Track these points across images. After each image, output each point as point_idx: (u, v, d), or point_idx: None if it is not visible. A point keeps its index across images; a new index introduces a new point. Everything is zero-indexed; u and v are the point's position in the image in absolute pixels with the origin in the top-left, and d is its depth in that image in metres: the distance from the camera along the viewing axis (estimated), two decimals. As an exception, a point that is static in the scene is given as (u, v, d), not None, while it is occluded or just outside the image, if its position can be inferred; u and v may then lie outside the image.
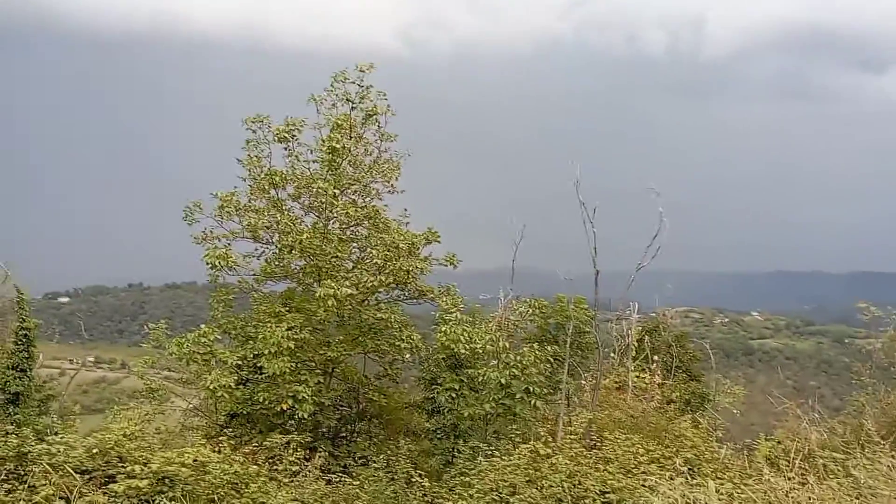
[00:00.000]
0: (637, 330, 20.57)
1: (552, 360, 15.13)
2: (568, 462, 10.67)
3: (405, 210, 17.22)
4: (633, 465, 10.78)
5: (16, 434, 10.48)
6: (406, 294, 16.77)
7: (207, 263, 14.84)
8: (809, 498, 7.64)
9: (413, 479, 11.29)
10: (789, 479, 8.26)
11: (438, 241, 16.52)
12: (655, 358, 19.58)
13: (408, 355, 16.21)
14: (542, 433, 12.44)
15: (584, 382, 16.70)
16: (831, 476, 8.64)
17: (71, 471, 9.53)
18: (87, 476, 9.74)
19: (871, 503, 7.18)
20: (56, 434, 11.11)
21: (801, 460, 9.13)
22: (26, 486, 9.52)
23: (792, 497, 7.74)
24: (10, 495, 9.49)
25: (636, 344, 20.00)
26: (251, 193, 16.28)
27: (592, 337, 16.55)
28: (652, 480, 9.39)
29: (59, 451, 9.86)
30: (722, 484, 9.31)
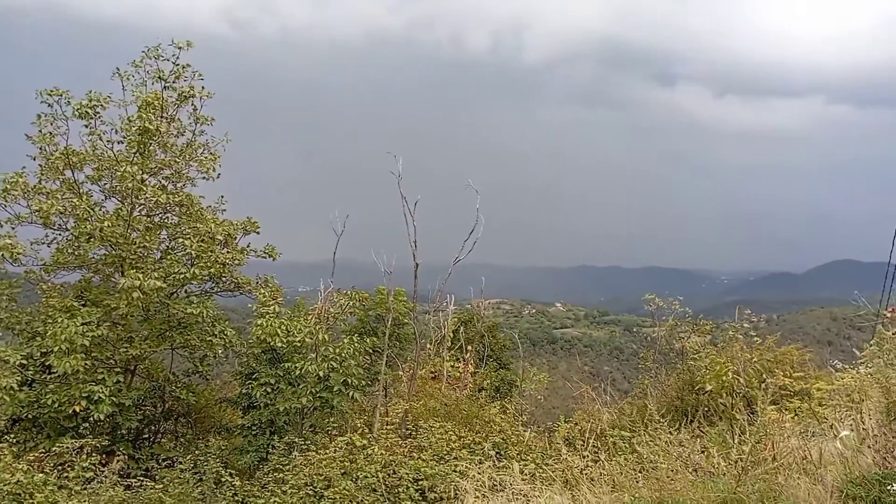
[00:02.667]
0: (453, 321, 21.36)
1: (371, 351, 15.27)
2: (383, 452, 10.87)
3: (222, 197, 16.45)
4: (445, 452, 11.22)
5: None
6: (221, 286, 16.05)
7: None
8: (601, 473, 8.41)
9: (223, 479, 10.87)
10: (584, 457, 9.03)
11: (257, 232, 15.98)
12: (469, 348, 20.46)
13: (220, 350, 15.51)
14: (359, 425, 12.54)
15: (401, 373, 17.04)
16: (619, 453, 9.58)
17: None
18: None
19: (652, 475, 8.05)
20: None
21: (594, 439, 10.01)
22: None
23: (586, 473, 8.48)
24: None
25: (451, 334, 20.76)
26: (42, 174, 14.67)
27: (411, 328, 16.94)
28: (463, 465, 9.84)
29: None
30: (526, 465, 10.00)
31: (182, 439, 14.55)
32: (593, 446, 9.65)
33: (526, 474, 9.20)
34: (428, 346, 20.57)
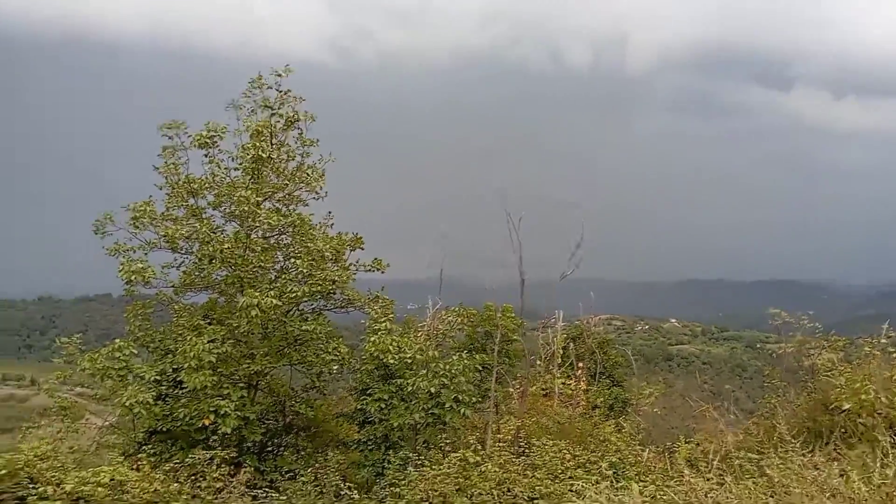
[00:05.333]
0: (562, 337, 21.01)
1: (480, 368, 15.25)
2: (497, 469, 10.77)
3: (329, 213, 16.98)
4: (560, 471, 10.97)
5: None
6: (332, 303, 16.54)
7: (122, 279, 14.26)
8: (727, 497, 7.94)
9: (342, 492, 11.12)
10: (708, 479, 8.56)
11: (362, 248, 16.40)
12: (580, 364, 20.04)
13: (335, 367, 15.95)
14: (471, 441, 12.51)
15: (511, 390, 16.90)
16: (747, 476, 9.02)
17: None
18: (-8, 500, 9.17)
19: (784, 500, 7.52)
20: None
21: (718, 461, 9.49)
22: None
23: (711, 497, 8.03)
24: None
25: (561, 351, 20.41)
26: (169, 202, 15.72)
27: (519, 345, 16.80)
28: (579, 485, 9.58)
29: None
30: (645, 486, 9.59)
31: (303, 452, 15.03)
32: (718, 468, 9.14)
33: (646, 496, 8.84)
34: (538, 362, 20.32)
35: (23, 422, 16.56)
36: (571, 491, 9.69)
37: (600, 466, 10.97)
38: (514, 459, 11.83)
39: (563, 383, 19.17)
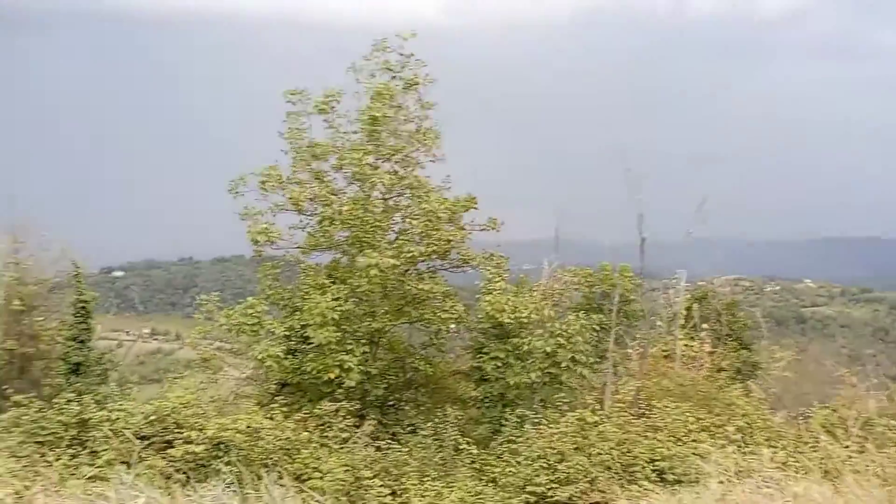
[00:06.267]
0: (686, 298, 20.21)
1: (598, 328, 15.00)
2: (616, 430, 10.62)
3: (447, 176, 17.09)
4: (683, 434, 10.66)
5: (77, 402, 10.89)
6: (448, 263, 16.75)
7: (250, 240, 15.11)
8: (868, 465, 7.43)
9: (461, 447, 11.38)
10: (846, 446, 8.04)
11: (475, 208, 16.45)
12: (704, 326, 19.22)
13: (451, 325, 16.23)
14: (589, 401, 12.39)
15: (630, 351, 16.52)
16: (891, 444, 8.39)
17: (131, 436, 9.86)
18: (146, 441, 10.08)
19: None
20: (116, 402, 11.51)
21: (859, 428, 8.87)
22: (88, 450, 9.90)
23: (849, 464, 7.54)
24: (74, 460, 9.88)
25: (685, 312, 19.66)
26: (294, 166, 16.37)
27: (638, 305, 16.35)
28: (703, 448, 9.26)
29: (119, 418, 10.21)
30: (776, 452, 9.13)
31: (422, 408, 15.48)
32: (858, 435, 8.55)
33: (777, 461, 8.41)
34: (658, 323, 19.71)
35: (169, 373, 18.10)
36: (695, 454, 9.41)
37: (726, 431, 10.55)
38: (633, 420, 11.62)
39: (686, 345, 18.50)
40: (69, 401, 10.88)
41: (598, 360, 14.92)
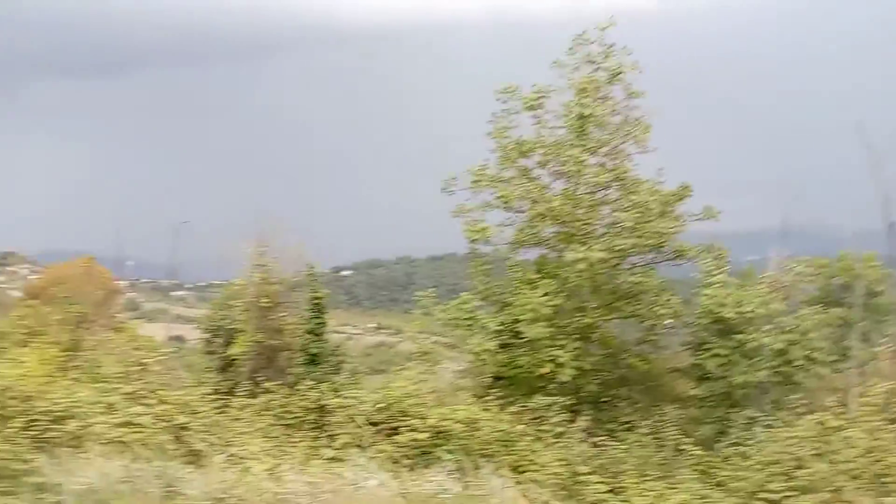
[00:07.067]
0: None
1: (838, 324, 13.55)
2: (864, 436, 9.48)
3: (660, 169, 16.39)
4: (951, 444, 9.23)
5: (316, 389, 12.05)
6: (662, 256, 16.07)
7: (468, 238, 15.71)
8: None
9: (683, 447, 10.86)
10: None
11: (690, 195, 15.58)
12: (976, 321, 16.49)
13: (668, 320, 15.57)
14: (829, 404, 11.19)
15: (879, 349, 14.67)
16: None
17: (363, 422, 10.69)
18: (375, 427, 10.88)
19: None
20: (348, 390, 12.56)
21: None
22: (327, 434, 10.90)
23: None
24: (315, 441, 10.94)
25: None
26: (500, 164, 16.68)
27: (887, 298, 14.50)
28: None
29: (352, 405, 11.13)
30: None
31: (638, 405, 15.02)
32: None
33: None
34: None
35: (392, 365, 19.38)
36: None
37: None
38: (885, 426, 10.28)
39: (952, 343, 16.01)
40: (309, 388, 12.06)
41: (839, 358, 13.49)
